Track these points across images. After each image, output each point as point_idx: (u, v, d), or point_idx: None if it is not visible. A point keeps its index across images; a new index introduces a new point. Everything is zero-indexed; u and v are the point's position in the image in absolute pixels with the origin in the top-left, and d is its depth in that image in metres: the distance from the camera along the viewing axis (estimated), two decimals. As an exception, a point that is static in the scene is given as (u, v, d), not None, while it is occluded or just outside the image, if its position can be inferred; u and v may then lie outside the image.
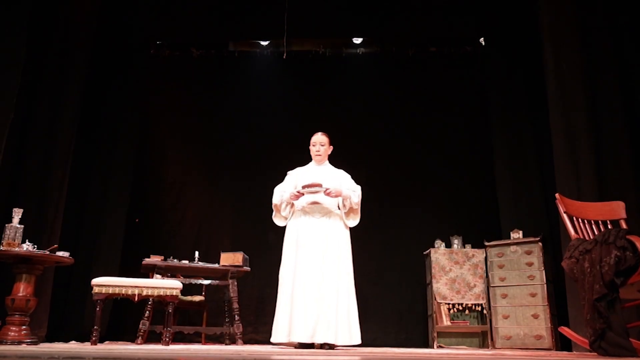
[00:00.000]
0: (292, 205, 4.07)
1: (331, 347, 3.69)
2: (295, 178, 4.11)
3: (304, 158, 4.38)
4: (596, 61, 4.57)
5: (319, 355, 2.70)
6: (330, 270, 3.82)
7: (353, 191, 4.01)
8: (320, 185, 3.84)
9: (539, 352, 4.27)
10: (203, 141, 6.64)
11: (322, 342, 3.66)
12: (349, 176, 4.19)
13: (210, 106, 6.70)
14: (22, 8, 4.57)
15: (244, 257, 5.03)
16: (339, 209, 4.05)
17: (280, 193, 4.08)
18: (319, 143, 4.16)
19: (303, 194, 3.92)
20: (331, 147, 4.22)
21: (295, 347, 3.78)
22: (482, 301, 5.35)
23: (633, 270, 2.74)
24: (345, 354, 2.86)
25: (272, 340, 3.83)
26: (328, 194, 3.88)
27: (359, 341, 3.82)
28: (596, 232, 3.12)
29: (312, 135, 4.26)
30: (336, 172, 4.20)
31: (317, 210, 3.96)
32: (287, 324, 3.74)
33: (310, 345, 3.71)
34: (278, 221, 4.17)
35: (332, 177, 4.09)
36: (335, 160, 4.30)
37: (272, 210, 4.21)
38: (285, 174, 4.29)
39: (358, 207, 4.04)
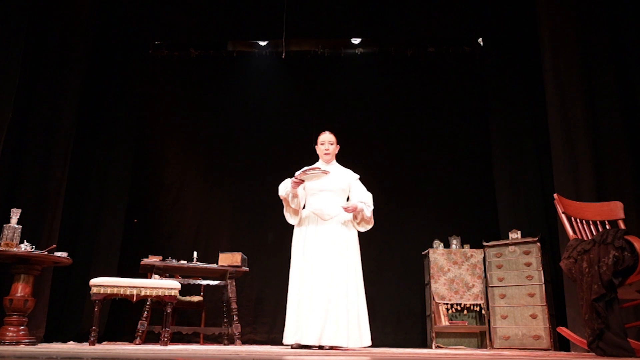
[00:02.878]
0: (298, 196, 4.00)
1: (331, 347, 3.65)
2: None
3: (303, 158, 4.37)
4: (594, 61, 4.58)
5: (317, 356, 2.70)
6: (338, 272, 3.80)
7: (365, 204, 3.98)
8: (319, 169, 3.81)
9: (537, 352, 4.27)
10: (202, 141, 6.63)
11: (331, 344, 3.63)
12: (357, 177, 4.16)
13: (208, 106, 6.69)
14: (20, 8, 4.56)
15: (242, 257, 5.03)
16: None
17: (285, 185, 4.02)
18: (328, 142, 4.14)
19: (303, 180, 3.87)
20: (338, 146, 4.20)
21: (292, 347, 3.76)
22: (481, 301, 5.36)
23: (631, 271, 2.74)
24: (343, 354, 2.86)
25: (284, 342, 3.82)
26: (347, 210, 3.88)
27: (369, 342, 3.81)
28: (594, 233, 3.13)
29: (314, 134, 4.23)
30: (344, 171, 4.17)
31: (325, 212, 3.93)
32: (294, 326, 3.73)
33: (309, 347, 3.69)
34: (289, 217, 4.07)
35: (339, 177, 4.07)
36: (341, 162, 4.28)
37: (274, 211, 4.19)
38: (286, 173, 4.25)
39: (370, 218, 4.03)
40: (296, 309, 3.77)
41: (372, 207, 4.03)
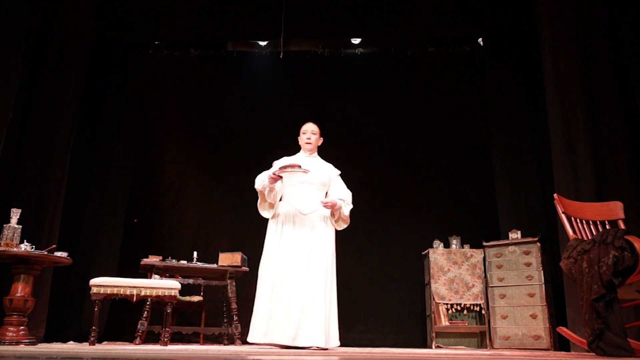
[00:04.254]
0: (274, 190, 3.90)
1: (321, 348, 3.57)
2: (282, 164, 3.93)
3: (295, 154, 4.35)
4: (595, 61, 4.58)
5: (316, 356, 2.70)
6: (315, 272, 3.69)
7: (345, 202, 3.91)
8: (299, 166, 3.72)
9: (537, 353, 4.27)
10: (202, 141, 6.63)
11: (305, 345, 3.52)
12: (338, 173, 4.08)
13: (208, 106, 6.69)
14: (21, 8, 4.57)
15: (242, 257, 5.03)
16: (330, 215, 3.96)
17: (262, 178, 3.89)
18: (310, 131, 4.06)
19: (281, 177, 3.79)
20: (321, 138, 4.13)
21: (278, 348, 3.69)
22: (481, 301, 5.35)
23: (631, 271, 2.74)
24: (343, 355, 2.86)
25: (249, 339, 3.65)
26: (325, 206, 3.81)
27: (337, 343, 3.69)
28: (594, 233, 3.13)
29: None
30: (325, 165, 4.10)
31: (304, 206, 3.86)
32: (264, 324, 3.58)
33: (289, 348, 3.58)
34: (264, 211, 3.95)
35: (321, 170, 4.00)
36: (334, 160, 4.27)
37: None
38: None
39: (347, 217, 3.96)
40: (268, 307, 3.62)
41: (351, 206, 3.95)
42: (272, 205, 3.92)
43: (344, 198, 3.94)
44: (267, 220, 4.05)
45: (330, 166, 4.12)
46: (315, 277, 3.69)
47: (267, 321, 3.60)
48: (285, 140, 6.25)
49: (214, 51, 6.79)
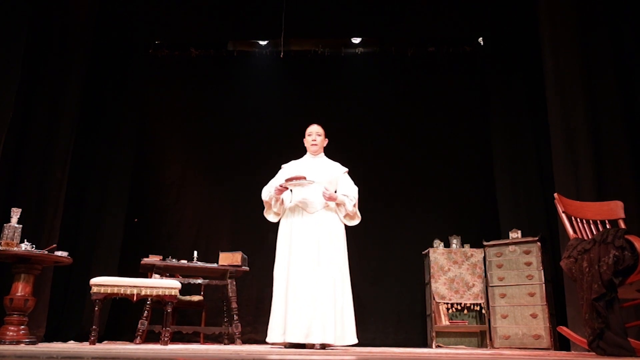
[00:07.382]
0: (282, 202, 4.01)
1: (323, 346, 3.59)
2: (289, 171, 4.04)
3: (302, 156, 4.37)
4: (595, 61, 4.58)
5: (316, 355, 2.70)
6: (324, 269, 3.73)
7: (348, 197, 3.92)
8: (304, 178, 3.76)
9: (538, 352, 4.27)
10: (202, 141, 6.64)
11: (317, 342, 3.56)
12: (345, 170, 4.11)
13: (209, 106, 6.70)
14: (21, 7, 4.57)
15: (242, 256, 5.04)
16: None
17: (269, 189, 3.99)
18: (315, 133, 4.10)
19: (287, 188, 3.86)
20: (326, 139, 4.17)
21: (285, 347, 3.73)
22: (481, 301, 5.36)
23: (632, 270, 2.74)
24: (344, 354, 2.86)
25: (267, 340, 3.76)
26: (324, 195, 3.84)
27: (354, 341, 3.72)
28: (595, 232, 3.12)
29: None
30: (331, 164, 4.13)
31: (309, 205, 3.89)
32: (281, 323, 3.68)
33: (302, 345, 3.63)
34: (270, 217, 4.09)
35: (326, 170, 4.03)
36: (334, 159, 4.27)
37: None
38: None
39: (354, 212, 3.98)
40: (283, 307, 3.71)
41: (354, 201, 3.96)
42: (277, 214, 4.04)
43: (347, 194, 3.97)
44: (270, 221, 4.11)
45: (337, 165, 4.16)
46: (322, 275, 3.72)
47: (283, 321, 3.67)
48: (285, 139, 6.28)
49: (215, 51, 6.79)
